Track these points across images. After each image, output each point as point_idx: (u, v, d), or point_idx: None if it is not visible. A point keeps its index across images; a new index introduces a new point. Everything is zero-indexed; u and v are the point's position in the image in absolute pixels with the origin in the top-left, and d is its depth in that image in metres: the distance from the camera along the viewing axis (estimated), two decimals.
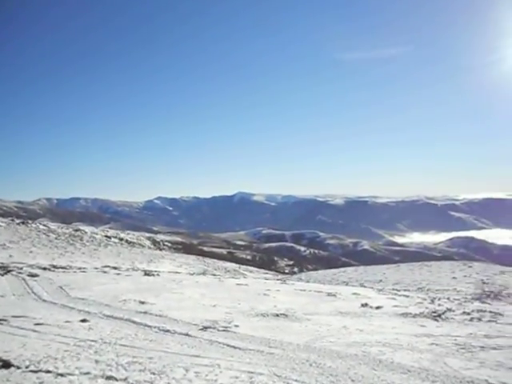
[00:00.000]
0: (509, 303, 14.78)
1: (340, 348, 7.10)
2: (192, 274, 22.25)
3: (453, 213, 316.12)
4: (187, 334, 7.53)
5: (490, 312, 12.17)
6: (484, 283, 20.63)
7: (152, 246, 65.78)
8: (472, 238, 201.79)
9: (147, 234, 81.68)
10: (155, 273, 19.22)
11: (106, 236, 47.05)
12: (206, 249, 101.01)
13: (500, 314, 11.83)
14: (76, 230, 42.13)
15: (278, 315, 10.26)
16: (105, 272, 18.43)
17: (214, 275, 23.96)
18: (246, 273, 34.89)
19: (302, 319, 9.93)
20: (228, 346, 6.86)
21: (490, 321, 10.81)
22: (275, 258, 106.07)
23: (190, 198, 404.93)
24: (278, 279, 26.89)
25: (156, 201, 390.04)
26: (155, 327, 7.97)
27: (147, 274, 18.48)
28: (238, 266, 42.65)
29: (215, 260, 44.13)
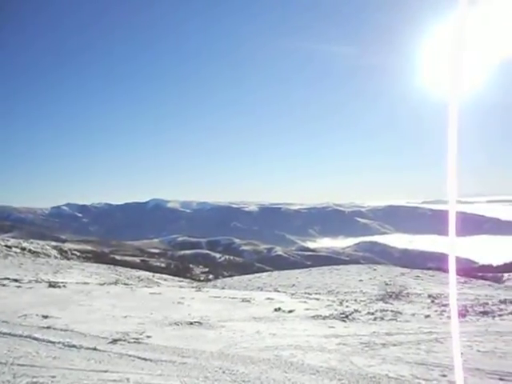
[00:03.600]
0: (408, 302, 15.98)
1: (253, 353, 7.19)
2: (102, 284, 21.20)
3: (359, 219, 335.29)
4: (95, 349, 7.15)
5: (392, 311, 13.07)
6: (387, 284, 22.12)
7: (59, 256, 61.75)
8: (376, 243, 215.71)
9: (54, 243, 76.49)
10: (61, 284, 18.03)
11: (6, 246, 43.30)
12: (118, 257, 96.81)
13: (400, 313, 12.75)
14: None
15: (192, 323, 10.13)
16: (3, 285, 16.90)
17: (127, 284, 23.06)
18: (160, 281, 34.03)
19: (217, 326, 9.91)
20: (139, 358, 6.63)
21: (391, 319, 11.60)
22: (190, 266, 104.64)
23: (102, 204, 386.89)
24: (192, 287, 26.57)
25: (64, 207, 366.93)
26: (59, 343, 7.46)
27: (52, 285, 17.28)
28: (151, 274, 41.48)
29: (128, 269, 42.51)
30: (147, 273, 42.31)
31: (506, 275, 40.47)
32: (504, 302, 15.30)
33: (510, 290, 23.72)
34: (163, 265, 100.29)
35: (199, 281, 51.95)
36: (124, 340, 7.93)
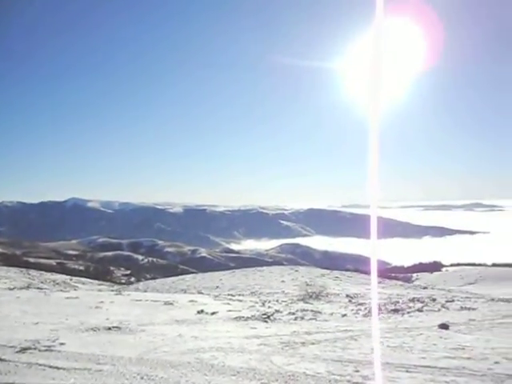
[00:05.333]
0: (327, 302, 16.63)
1: (174, 357, 7.08)
2: (12, 289, 19.74)
3: (282, 221, 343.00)
4: (1, 359, 6.64)
5: (312, 311, 13.52)
6: (307, 285, 22.80)
7: None
8: (298, 245, 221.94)
9: None
10: None
11: None
12: (31, 260, 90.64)
13: (319, 312, 13.23)
14: None
15: (110, 328, 9.76)
16: None
17: (40, 289, 21.68)
18: (77, 285, 32.40)
19: (137, 331, 9.64)
20: (50, 367, 6.25)
21: (311, 319, 12.01)
22: (111, 268, 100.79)
23: (14, 203, 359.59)
24: (112, 290, 25.61)
25: None
26: None
27: None
28: (68, 277, 39.39)
29: (42, 272, 40.03)
30: (64, 276, 40.13)
31: (414, 275, 43.65)
32: (412, 300, 16.44)
33: (418, 289, 25.59)
34: (81, 267, 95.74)
35: (120, 284, 50.21)
36: (34, 348, 7.44)
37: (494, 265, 48.12)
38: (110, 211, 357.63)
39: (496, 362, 6.69)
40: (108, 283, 44.54)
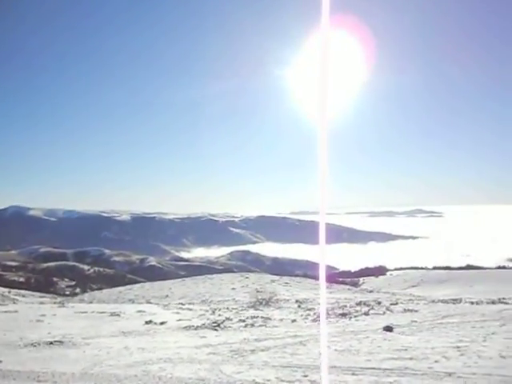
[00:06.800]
0: (277, 308, 16.76)
1: (119, 371, 6.87)
2: None
3: (232, 229, 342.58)
4: None
5: (262, 317, 13.58)
6: (258, 292, 22.92)
7: None
8: (248, 252, 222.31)
9: None
10: None
11: None
12: None
13: (269, 319, 13.31)
14: None
15: (52, 343, 9.33)
16: None
17: None
18: (17, 297, 30.70)
19: (80, 344, 9.27)
20: None
21: (261, 325, 12.05)
22: (54, 279, 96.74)
23: None
24: (55, 302, 24.52)
25: None
26: None
27: None
28: (7, 290, 37.29)
29: None
30: (2, 288, 37.97)
31: (361, 279, 44.95)
32: (359, 304, 16.93)
33: (364, 293, 26.38)
34: (22, 279, 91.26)
35: (64, 295, 48.23)
36: None
37: (435, 268, 50.46)
38: (53, 219, 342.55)
39: (436, 361, 7.01)
40: (51, 295, 42.60)
